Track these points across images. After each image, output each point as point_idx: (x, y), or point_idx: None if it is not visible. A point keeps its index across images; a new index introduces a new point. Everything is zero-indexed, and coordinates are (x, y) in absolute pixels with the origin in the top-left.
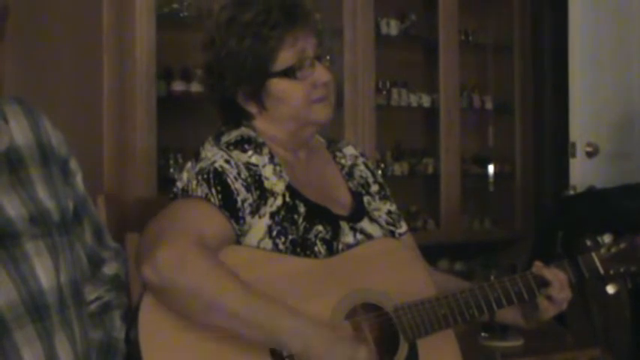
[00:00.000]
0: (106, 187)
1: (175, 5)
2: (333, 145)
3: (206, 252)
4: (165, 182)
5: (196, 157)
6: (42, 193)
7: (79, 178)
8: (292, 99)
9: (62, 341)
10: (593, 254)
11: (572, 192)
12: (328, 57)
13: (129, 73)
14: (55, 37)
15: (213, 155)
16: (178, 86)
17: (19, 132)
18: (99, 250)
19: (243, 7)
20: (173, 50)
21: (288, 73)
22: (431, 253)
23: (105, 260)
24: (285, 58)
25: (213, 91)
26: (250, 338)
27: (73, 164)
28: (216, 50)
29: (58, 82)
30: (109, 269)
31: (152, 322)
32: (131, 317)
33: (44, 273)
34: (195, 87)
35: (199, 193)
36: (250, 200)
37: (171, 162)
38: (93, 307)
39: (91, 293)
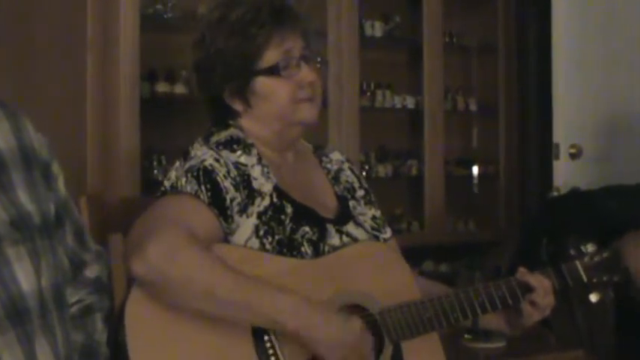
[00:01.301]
0: (90, 189)
1: (159, 6)
2: (320, 150)
3: (195, 242)
4: (149, 183)
5: (185, 156)
6: (23, 197)
7: (60, 182)
8: (277, 98)
9: (43, 346)
10: (577, 262)
11: (555, 193)
12: (319, 59)
13: (113, 75)
14: (39, 38)
15: (202, 154)
16: (162, 88)
17: (0, 135)
18: (80, 253)
19: (233, 6)
20: (157, 52)
21: (274, 71)
22: (415, 255)
23: (86, 263)
24: (271, 56)
25: (201, 89)
26: (246, 321)
27: (55, 168)
28: (206, 48)
29: (42, 83)
30: (91, 272)
31: (138, 320)
32: (117, 315)
33: (25, 277)
34: (179, 89)
35: (189, 189)
36: (239, 199)
37: (155, 163)
38: (74, 309)
39: (72, 296)
